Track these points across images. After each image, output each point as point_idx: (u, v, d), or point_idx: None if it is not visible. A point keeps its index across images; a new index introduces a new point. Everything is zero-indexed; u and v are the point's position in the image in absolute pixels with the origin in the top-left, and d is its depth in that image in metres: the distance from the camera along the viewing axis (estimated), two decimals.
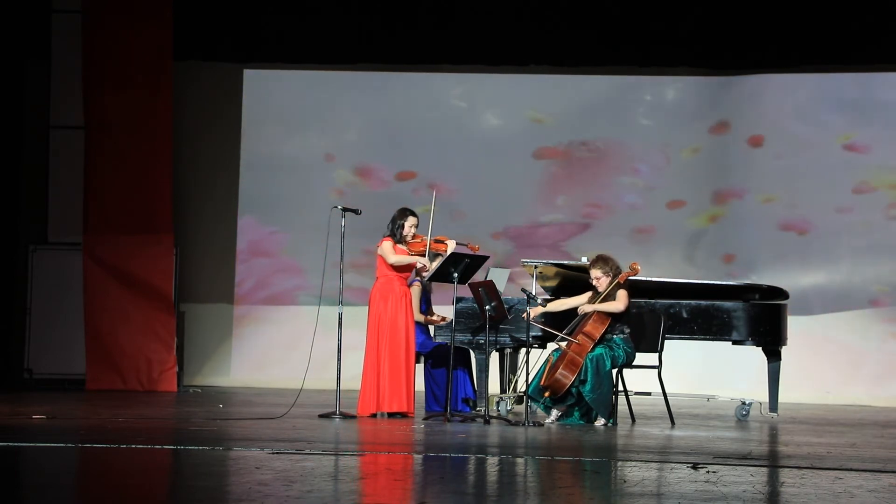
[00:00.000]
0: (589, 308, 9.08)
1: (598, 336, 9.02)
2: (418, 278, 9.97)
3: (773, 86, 13.07)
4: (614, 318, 9.09)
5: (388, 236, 9.40)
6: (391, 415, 9.26)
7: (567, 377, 8.91)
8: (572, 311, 9.28)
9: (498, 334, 9.62)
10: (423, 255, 9.39)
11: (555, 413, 9.09)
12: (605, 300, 9.09)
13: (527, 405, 9.18)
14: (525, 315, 9.17)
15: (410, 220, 9.40)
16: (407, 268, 9.42)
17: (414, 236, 9.42)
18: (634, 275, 9.22)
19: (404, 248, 9.39)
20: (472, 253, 9.34)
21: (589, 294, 9.27)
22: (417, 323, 9.94)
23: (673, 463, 6.59)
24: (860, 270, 12.85)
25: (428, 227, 9.44)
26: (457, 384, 9.83)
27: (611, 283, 9.13)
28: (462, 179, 13.30)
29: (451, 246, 9.33)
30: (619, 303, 9.06)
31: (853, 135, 12.94)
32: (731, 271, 12.86)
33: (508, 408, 9.94)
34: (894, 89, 12.96)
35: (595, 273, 9.20)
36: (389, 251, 9.34)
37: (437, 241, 9.40)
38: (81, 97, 12.41)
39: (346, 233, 9.34)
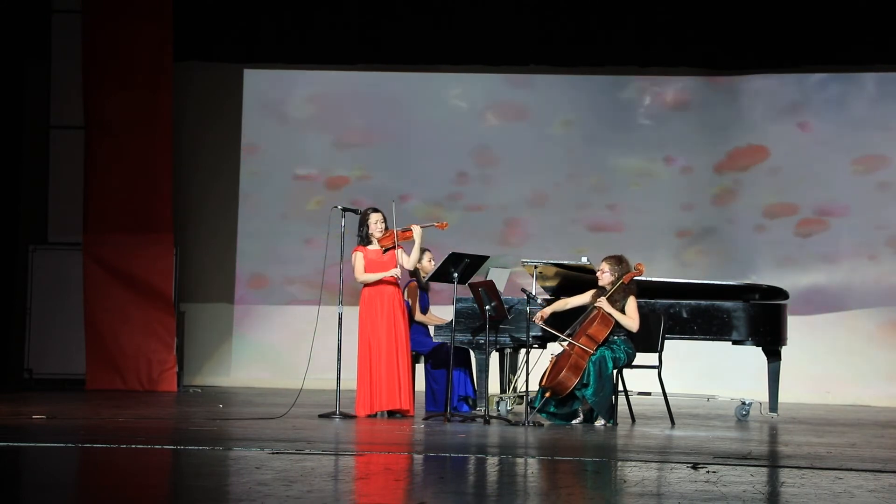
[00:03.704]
0: (605, 306, 9.02)
1: (601, 339, 9.00)
2: (413, 278, 9.97)
3: (772, 86, 13.08)
4: (618, 321, 9.07)
5: (358, 245, 9.38)
6: (391, 414, 9.27)
7: (571, 379, 8.90)
8: (574, 310, 9.27)
9: (498, 334, 9.61)
10: (393, 248, 9.31)
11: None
12: (611, 297, 9.07)
13: (527, 405, 9.18)
14: (536, 319, 9.14)
15: (373, 218, 9.37)
16: (388, 266, 9.35)
17: (385, 230, 9.38)
18: (639, 275, 9.21)
19: (377, 247, 9.37)
20: (470, 252, 9.35)
21: (592, 292, 9.26)
22: (418, 323, 9.94)
23: (673, 463, 6.59)
24: (860, 270, 12.85)
25: (393, 229, 9.35)
26: (457, 384, 9.83)
27: (615, 281, 9.12)
28: (462, 179, 13.31)
29: (416, 231, 9.30)
30: (634, 322, 9.04)
31: (853, 134, 12.94)
32: (730, 271, 12.85)
33: (508, 408, 9.93)
34: (893, 89, 12.96)
35: (603, 266, 9.20)
36: (358, 268, 9.34)
37: (403, 231, 9.36)
38: (81, 97, 12.41)
39: (345, 233, 9.35)
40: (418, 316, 9.96)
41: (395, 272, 9.28)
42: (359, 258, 9.34)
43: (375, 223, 9.35)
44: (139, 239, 12.32)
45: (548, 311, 9.23)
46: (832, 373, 12.69)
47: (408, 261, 9.42)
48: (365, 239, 9.38)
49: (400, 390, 9.27)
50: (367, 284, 9.34)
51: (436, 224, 9.49)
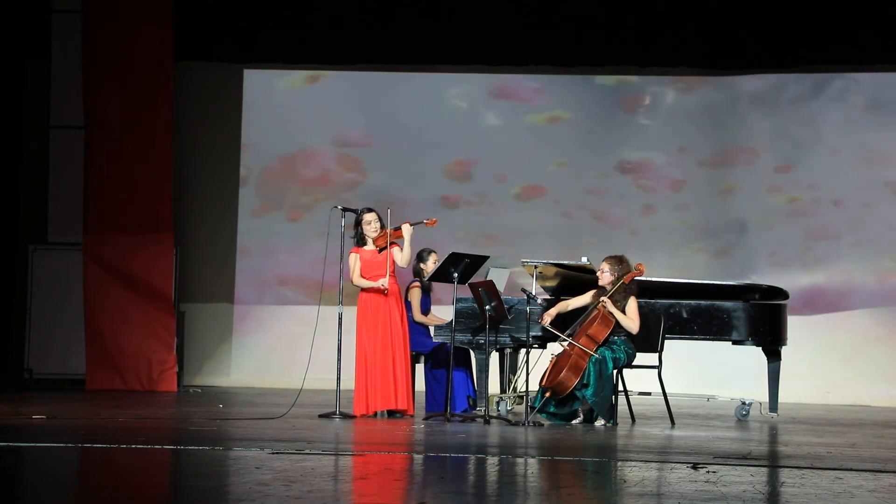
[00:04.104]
0: (608, 305, 9.01)
1: (602, 339, 8.99)
2: (418, 279, 9.98)
3: (772, 85, 13.08)
4: (618, 321, 9.07)
5: (354, 246, 9.42)
6: (391, 414, 9.29)
7: (571, 379, 8.89)
8: (575, 310, 9.27)
9: (498, 334, 9.61)
10: (386, 248, 9.33)
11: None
12: (612, 297, 9.06)
13: (527, 405, 9.18)
14: (542, 321, 9.14)
15: (366, 218, 9.40)
16: (383, 266, 9.36)
17: (381, 229, 9.39)
18: (640, 275, 9.21)
19: (372, 248, 9.39)
20: (470, 252, 9.36)
21: (592, 292, 9.26)
22: (419, 324, 9.94)
23: (673, 463, 6.59)
24: (860, 270, 12.85)
25: (386, 229, 9.40)
26: (458, 384, 9.83)
27: (616, 281, 9.12)
28: (461, 179, 13.31)
29: (406, 229, 9.30)
30: (634, 324, 9.05)
31: (854, 134, 12.94)
32: (730, 271, 12.86)
33: (508, 408, 9.93)
34: (894, 88, 12.96)
35: (603, 266, 9.20)
36: (354, 272, 9.38)
37: (395, 230, 9.38)
38: (81, 97, 12.41)
39: (345, 233, 9.35)
40: (418, 317, 9.95)
41: (383, 283, 9.28)
42: (354, 260, 9.37)
43: (369, 223, 9.38)
44: (139, 239, 12.31)
45: (553, 312, 9.21)
46: (832, 373, 12.69)
47: (401, 258, 9.42)
48: (361, 239, 9.41)
49: (396, 390, 9.28)
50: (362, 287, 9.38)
51: (425, 221, 9.50)
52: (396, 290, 9.44)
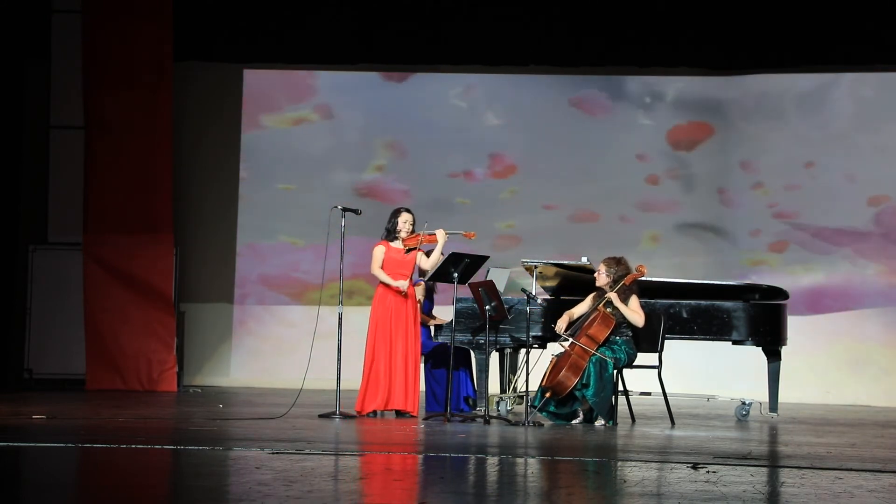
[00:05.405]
0: (614, 300, 9.01)
1: (602, 339, 8.99)
2: (421, 278, 9.98)
3: (773, 85, 13.08)
4: (619, 320, 9.07)
5: (383, 240, 9.43)
6: (399, 414, 9.30)
7: (570, 379, 8.89)
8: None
9: (498, 334, 9.61)
10: (415, 250, 9.38)
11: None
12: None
13: (527, 405, 9.18)
14: (559, 330, 9.12)
15: (404, 217, 9.44)
16: (406, 266, 9.40)
17: (412, 232, 9.42)
18: (641, 276, 9.20)
19: (400, 245, 9.41)
20: (470, 252, 9.37)
21: (591, 296, 9.26)
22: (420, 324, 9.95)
23: (673, 463, 6.59)
24: (860, 270, 12.85)
25: (419, 232, 9.44)
26: (457, 384, 9.83)
27: (614, 283, 9.11)
28: (461, 179, 13.31)
29: (441, 235, 9.34)
30: (640, 317, 9.05)
31: (855, 133, 12.94)
32: (730, 271, 12.86)
33: (508, 408, 9.93)
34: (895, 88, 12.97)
35: (600, 268, 9.20)
36: (375, 262, 9.40)
37: (429, 235, 9.43)
38: (81, 97, 12.41)
39: (345, 233, 9.35)
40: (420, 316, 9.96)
41: (402, 285, 9.29)
42: (379, 252, 9.39)
43: (405, 222, 9.41)
44: (139, 239, 12.32)
45: (565, 321, 9.18)
46: (832, 373, 12.69)
47: (427, 262, 9.44)
48: (391, 233, 9.42)
49: (393, 391, 9.28)
50: (381, 281, 9.38)
51: (463, 233, 9.52)
52: (413, 293, 9.46)
